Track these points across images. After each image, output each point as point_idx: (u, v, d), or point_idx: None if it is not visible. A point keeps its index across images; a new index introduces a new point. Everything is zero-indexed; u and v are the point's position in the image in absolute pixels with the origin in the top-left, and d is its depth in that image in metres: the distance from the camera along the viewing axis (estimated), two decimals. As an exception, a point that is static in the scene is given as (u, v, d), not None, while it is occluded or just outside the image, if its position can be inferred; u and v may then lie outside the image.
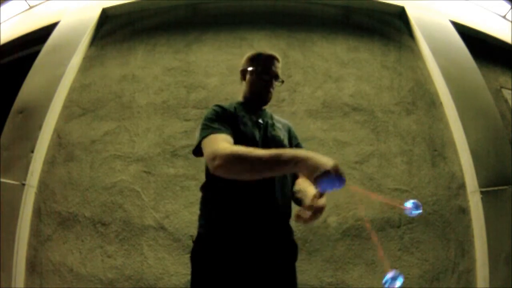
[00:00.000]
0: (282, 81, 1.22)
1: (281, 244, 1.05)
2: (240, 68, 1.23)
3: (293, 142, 1.23)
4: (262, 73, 1.17)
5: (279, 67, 1.21)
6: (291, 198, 1.14)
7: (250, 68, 1.19)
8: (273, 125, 1.17)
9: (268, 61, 1.18)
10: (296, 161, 0.80)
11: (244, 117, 1.11)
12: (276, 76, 1.19)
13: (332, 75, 2.41)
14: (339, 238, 1.94)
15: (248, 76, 1.20)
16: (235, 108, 1.13)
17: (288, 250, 1.08)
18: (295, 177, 1.17)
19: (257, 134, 1.10)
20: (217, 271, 1.00)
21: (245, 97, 1.21)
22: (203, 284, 1.01)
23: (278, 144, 1.11)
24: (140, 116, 2.30)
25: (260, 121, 1.14)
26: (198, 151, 1.07)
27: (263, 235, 1.02)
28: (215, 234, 1.04)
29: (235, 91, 2.16)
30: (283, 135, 1.16)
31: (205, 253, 1.04)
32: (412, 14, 2.69)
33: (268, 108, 1.26)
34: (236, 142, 1.00)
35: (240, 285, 0.98)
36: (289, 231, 1.11)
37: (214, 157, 0.91)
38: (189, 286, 1.05)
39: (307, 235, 1.94)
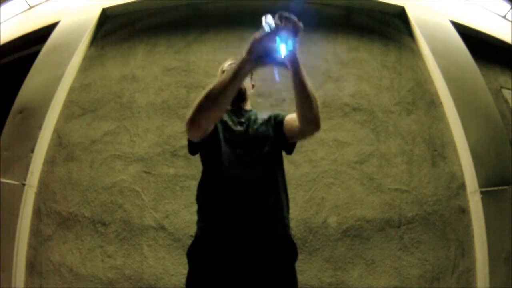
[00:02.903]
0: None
1: (273, 245, 1.05)
2: None
3: (277, 119, 1.23)
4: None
5: None
6: (282, 199, 1.14)
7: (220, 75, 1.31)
8: (255, 120, 1.21)
9: (230, 62, 1.29)
10: (239, 64, 0.94)
11: (226, 122, 1.18)
12: None
13: (332, 75, 2.41)
14: (339, 238, 1.94)
15: None
16: None
17: (283, 250, 1.07)
18: (279, 179, 1.18)
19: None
20: (205, 270, 1.01)
21: None
22: (193, 282, 1.03)
23: (261, 136, 1.15)
24: (140, 116, 2.30)
25: (243, 120, 1.19)
26: (191, 147, 1.15)
27: (251, 235, 1.02)
28: (206, 234, 1.06)
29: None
30: (265, 127, 1.19)
31: (197, 252, 1.06)
32: (412, 14, 2.69)
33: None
34: (218, 148, 1.09)
35: (230, 286, 0.99)
36: (283, 231, 1.10)
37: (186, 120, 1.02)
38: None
39: (307, 235, 1.94)
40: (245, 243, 1.01)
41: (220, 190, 1.07)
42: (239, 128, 1.17)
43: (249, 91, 1.31)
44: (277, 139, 1.17)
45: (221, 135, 1.13)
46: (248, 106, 1.30)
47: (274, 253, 1.04)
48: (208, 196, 1.10)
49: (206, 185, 1.13)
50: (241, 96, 1.24)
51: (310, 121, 1.07)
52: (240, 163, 1.08)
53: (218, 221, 1.05)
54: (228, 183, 1.06)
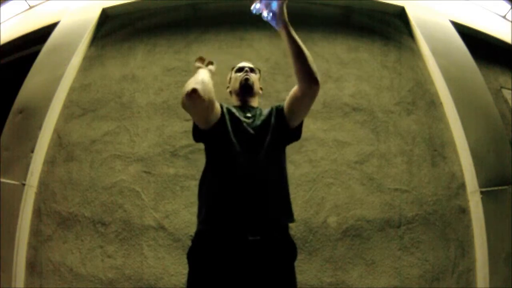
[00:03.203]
0: (259, 70, 1.48)
1: (272, 243, 1.05)
2: (228, 90, 1.47)
3: (279, 107, 1.28)
4: (237, 70, 1.43)
5: (250, 63, 1.45)
6: (284, 195, 1.17)
7: (230, 77, 1.46)
8: (261, 113, 1.28)
9: (243, 64, 1.45)
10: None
11: (234, 113, 1.24)
12: (250, 68, 1.41)
13: (332, 75, 2.41)
14: (339, 238, 1.94)
15: (230, 82, 1.45)
16: (226, 109, 1.26)
17: (283, 249, 1.08)
18: (284, 171, 1.22)
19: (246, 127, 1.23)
20: (205, 270, 1.01)
21: (235, 95, 1.39)
22: (193, 282, 1.03)
23: (265, 126, 1.21)
24: (140, 116, 2.30)
25: (249, 115, 1.26)
26: (196, 133, 1.22)
27: (251, 232, 1.02)
28: (205, 231, 1.06)
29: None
30: (268, 118, 1.25)
31: (197, 250, 1.06)
32: (412, 14, 2.69)
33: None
34: (226, 139, 1.14)
35: (229, 284, 0.99)
36: (282, 230, 1.11)
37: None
38: (188, 286, 1.06)
39: (307, 235, 1.94)
40: (247, 235, 1.01)
41: (226, 180, 1.09)
42: (246, 120, 1.22)
43: (257, 86, 1.39)
44: (279, 126, 1.22)
45: (229, 127, 1.17)
46: (255, 103, 1.38)
47: (273, 253, 1.04)
48: (213, 185, 1.11)
49: (211, 174, 1.15)
50: (249, 89, 1.34)
51: (309, 75, 1.15)
52: (246, 153, 1.12)
53: (223, 209, 1.06)
54: (234, 172, 1.09)
